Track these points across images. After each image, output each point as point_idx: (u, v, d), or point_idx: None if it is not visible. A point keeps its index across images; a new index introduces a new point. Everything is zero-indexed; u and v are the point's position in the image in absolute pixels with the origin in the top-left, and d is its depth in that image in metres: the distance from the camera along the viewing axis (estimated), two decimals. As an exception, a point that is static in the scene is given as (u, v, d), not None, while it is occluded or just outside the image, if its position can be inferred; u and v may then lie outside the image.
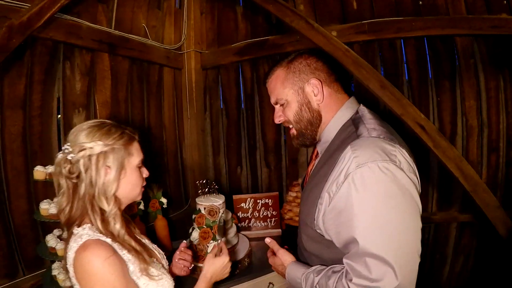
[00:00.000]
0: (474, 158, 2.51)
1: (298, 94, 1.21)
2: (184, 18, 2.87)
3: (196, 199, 2.09)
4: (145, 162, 2.67)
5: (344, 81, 1.30)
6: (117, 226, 1.05)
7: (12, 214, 1.89)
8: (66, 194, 1.05)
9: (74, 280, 0.98)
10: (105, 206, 1.04)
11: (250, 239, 2.31)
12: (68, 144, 1.06)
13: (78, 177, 1.04)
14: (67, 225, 1.05)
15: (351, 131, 1.12)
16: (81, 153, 1.02)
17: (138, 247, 1.09)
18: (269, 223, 2.55)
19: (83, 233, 1.00)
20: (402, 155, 1.02)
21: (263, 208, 2.55)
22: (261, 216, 2.55)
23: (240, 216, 2.55)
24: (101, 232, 1.02)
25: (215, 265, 1.30)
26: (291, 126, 1.27)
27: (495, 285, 2.57)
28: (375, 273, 0.92)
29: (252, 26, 2.92)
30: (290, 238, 2.05)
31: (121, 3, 2.42)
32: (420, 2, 2.45)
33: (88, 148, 1.03)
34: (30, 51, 1.95)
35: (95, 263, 0.93)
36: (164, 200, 2.32)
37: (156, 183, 2.34)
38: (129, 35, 2.43)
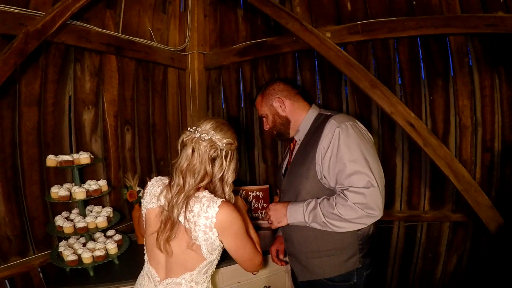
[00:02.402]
0: (468, 157, 2.54)
1: (270, 109, 1.84)
2: (188, 21, 3.06)
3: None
4: (149, 158, 2.88)
5: (304, 94, 2.10)
6: (232, 201, 1.44)
7: (26, 198, 2.13)
8: (204, 167, 1.34)
9: (207, 230, 1.30)
10: (226, 189, 1.43)
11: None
12: (213, 133, 1.36)
13: (216, 161, 1.37)
14: (194, 187, 1.33)
15: (324, 117, 1.71)
16: (228, 146, 1.39)
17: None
18: (260, 215, 2.70)
19: (212, 196, 1.35)
20: (360, 123, 1.68)
21: (254, 200, 2.71)
22: (252, 208, 2.71)
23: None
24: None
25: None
26: (272, 130, 1.89)
27: (489, 284, 2.60)
28: (362, 183, 1.48)
29: (251, 28, 3.07)
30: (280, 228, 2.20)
31: (128, 8, 2.63)
32: (414, 2, 2.51)
33: (231, 144, 1.40)
34: (44, 54, 2.18)
35: (235, 214, 1.33)
36: (137, 189, 2.46)
37: (138, 173, 2.54)
38: (135, 38, 2.64)
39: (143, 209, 1.50)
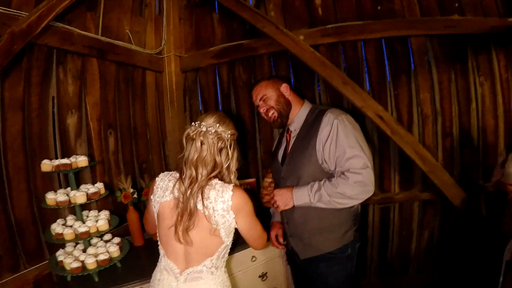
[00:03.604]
0: (430, 143, 2.89)
1: (276, 91, 2.01)
2: (164, 24, 3.07)
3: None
4: (131, 160, 2.86)
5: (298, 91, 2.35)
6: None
7: (13, 209, 2.01)
8: (213, 158, 1.43)
9: (225, 213, 1.40)
10: (232, 177, 1.51)
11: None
12: (219, 126, 1.45)
13: (223, 152, 1.46)
14: (206, 177, 1.42)
15: (320, 110, 1.94)
16: (232, 136, 1.50)
17: None
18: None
19: (223, 182, 1.45)
20: (349, 115, 1.91)
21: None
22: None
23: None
24: None
25: None
26: (273, 111, 2.00)
27: (459, 254, 2.97)
28: (360, 165, 1.73)
29: (228, 31, 3.16)
30: (268, 220, 2.32)
31: (107, 11, 2.58)
32: (379, 7, 2.81)
33: (234, 134, 1.51)
34: (27, 56, 2.09)
35: (246, 196, 1.45)
36: (131, 191, 2.47)
37: (126, 176, 2.54)
38: (116, 41, 2.61)
39: (155, 204, 1.53)
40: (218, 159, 1.44)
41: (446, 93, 2.83)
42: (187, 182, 1.41)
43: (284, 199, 1.89)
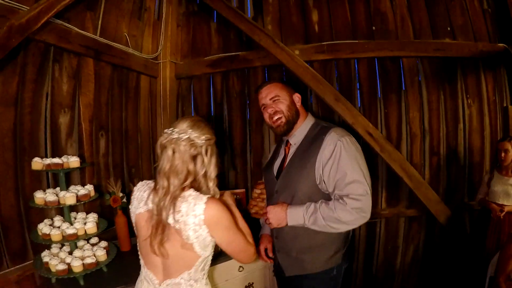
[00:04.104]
0: (418, 161, 2.98)
1: (290, 96, 1.88)
2: (161, 30, 3.09)
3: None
4: (121, 164, 2.83)
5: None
6: (216, 196, 1.43)
7: (0, 207, 1.95)
8: (186, 167, 1.33)
9: (197, 227, 1.29)
10: (210, 184, 1.41)
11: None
12: (191, 131, 1.35)
13: (197, 158, 1.36)
14: (178, 188, 1.32)
15: (322, 127, 1.85)
16: (207, 141, 1.38)
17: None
18: (239, 217, 2.79)
19: (197, 194, 1.33)
20: (352, 136, 1.81)
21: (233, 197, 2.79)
22: (232, 210, 2.78)
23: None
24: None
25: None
26: (281, 116, 1.85)
27: (443, 269, 3.03)
28: (359, 191, 1.65)
29: (224, 41, 3.21)
30: (256, 231, 2.31)
31: (107, 12, 2.59)
32: (374, 28, 2.92)
33: (209, 139, 1.39)
34: (23, 52, 2.05)
35: (222, 209, 1.33)
36: (121, 195, 2.41)
37: (115, 179, 2.49)
38: (113, 43, 2.60)
39: (132, 215, 1.49)
40: (191, 167, 1.34)
41: (435, 112, 2.93)
42: (160, 193, 1.33)
43: (278, 217, 1.78)
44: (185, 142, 1.32)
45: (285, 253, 1.90)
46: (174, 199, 1.31)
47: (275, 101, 1.85)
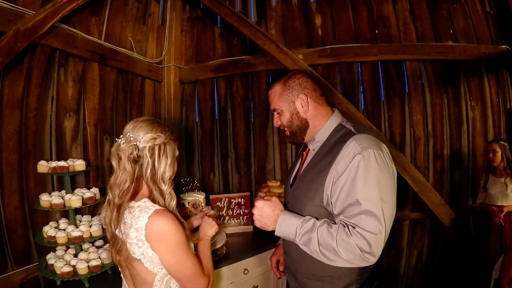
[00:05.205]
0: (422, 164, 2.98)
1: (289, 106, 1.52)
2: (165, 35, 3.12)
3: (180, 195, 2.33)
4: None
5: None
6: (172, 202, 1.29)
7: (4, 210, 1.96)
8: (129, 174, 1.22)
9: (140, 243, 1.16)
10: (164, 187, 1.27)
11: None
12: (130, 134, 1.25)
13: (142, 161, 1.24)
14: (121, 198, 1.22)
15: (346, 131, 1.45)
16: (149, 143, 1.23)
17: (183, 222, 1.30)
18: (242, 220, 2.78)
19: (148, 204, 1.20)
20: (385, 148, 1.40)
21: (236, 206, 2.79)
22: (234, 214, 2.78)
23: (216, 214, 2.77)
24: (159, 206, 1.23)
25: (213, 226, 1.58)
26: (283, 129, 1.59)
27: (448, 272, 3.00)
28: (370, 227, 1.25)
29: (228, 46, 3.23)
30: (260, 233, 2.31)
31: (112, 17, 2.62)
32: (377, 31, 2.93)
33: (154, 138, 1.24)
34: (29, 56, 2.08)
35: (170, 225, 1.17)
36: None
37: None
38: (118, 47, 2.63)
39: None
40: (133, 172, 1.23)
41: (438, 116, 2.94)
42: (106, 205, 1.28)
43: (264, 219, 1.47)
44: (125, 145, 1.23)
45: (291, 273, 1.66)
46: (118, 210, 1.22)
47: (277, 112, 1.58)
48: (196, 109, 3.35)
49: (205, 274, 1.30)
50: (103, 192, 2.28)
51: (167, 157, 1.28)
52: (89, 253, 1.99)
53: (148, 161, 1.23)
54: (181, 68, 3.23)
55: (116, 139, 1.27)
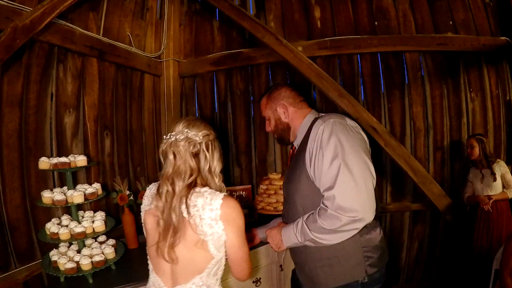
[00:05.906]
0: (422, 155, 2.99)
1: (274, 113, 1.79)
2: (164, 29, 3.09)
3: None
4: (126, 163, 2.85)
5: (309, 100, 2.00)
6: (224, 191, 1.39)
7: (6, 208, 1.96)
8: (191, 167, 1.31)
9: (213, 222, 1.27)
10: (216, 179, 1.38)
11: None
12: (187, 131, 1.33)
13: (200, 156, 1.34)
14: (187, 189, 1.30)
15: (315, 119, 1.64)
16: (206, 137, 1.35)
17: None
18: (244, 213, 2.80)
19: (213, 190, 1.32)
20: (350, 120, 1.62)
21: (238, 199, 2.79)
22: (237, 207, 2.80)
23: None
24: None
25: None
26: (273, 134, 1.84)
27: (448, 264, 3.03)
28: (340, 188, 1.38)
29: (227, 39, 3.21)
30: (262, 225, 2.33)
31: (110, 12, 2.60)
32: (376, 23, 2.92)
33: (208, 135, 1.36)
34: (28, 53, 2.07)
35: (240, 208, 1.31)
36: (127, 193, 2.41)
37: (122, 178, 2.48)
38: (117, 42, 2.61)
39: (142, 213, 1.48)
40: (194, 165, 1.32)
41: (438, 107, 2.94)
42: (164, 197, 1.32)
43: (276, 241, 1.68)
44: (183, 142, 1.31)
45: (300, 267, 1.74)
46: (181, 198, 1.29)
47: (267, 120, 1.84)
48: (196, 103, 3.34)
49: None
50: (104, 187, 2.29)
51: (218, 151, 1.40)
52: (92, 248, 2.00)
53: (205, 156, 1.35)
54: (180, 62, 3.22)
55: (167, 135, 1.35)
